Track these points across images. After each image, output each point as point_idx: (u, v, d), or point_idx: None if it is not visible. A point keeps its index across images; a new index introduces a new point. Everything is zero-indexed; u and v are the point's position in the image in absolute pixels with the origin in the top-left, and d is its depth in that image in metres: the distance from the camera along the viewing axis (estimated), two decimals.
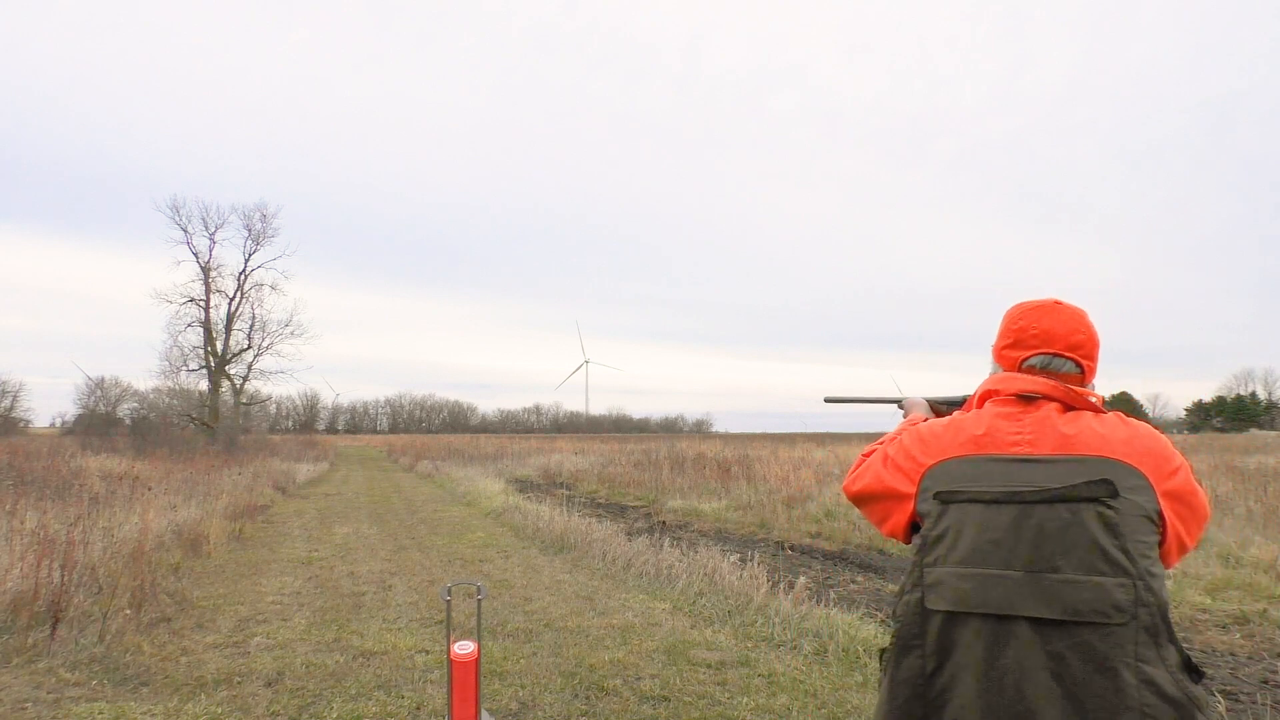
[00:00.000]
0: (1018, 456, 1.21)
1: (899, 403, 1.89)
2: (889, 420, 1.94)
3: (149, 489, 9.78)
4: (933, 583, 1.21)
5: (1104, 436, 1.19)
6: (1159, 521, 1.14)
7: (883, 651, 1.30)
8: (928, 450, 1.31)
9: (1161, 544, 1.15)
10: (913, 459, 1.32)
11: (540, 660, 4.32)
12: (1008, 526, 1.16)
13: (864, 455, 1.52)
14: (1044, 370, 1.33)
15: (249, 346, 34.41)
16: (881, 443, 1.54)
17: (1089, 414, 1.24)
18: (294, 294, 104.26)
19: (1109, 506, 1.12)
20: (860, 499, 1.44)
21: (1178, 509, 1.16)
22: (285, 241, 79.82)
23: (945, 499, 1.24)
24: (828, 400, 2.20)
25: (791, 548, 9.11)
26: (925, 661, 1.19)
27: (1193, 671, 1.10)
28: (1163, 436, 1.21)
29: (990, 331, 1.48)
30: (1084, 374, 1.34)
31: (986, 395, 1.36)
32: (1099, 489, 1.13)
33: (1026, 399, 1.28)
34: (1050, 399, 1.26)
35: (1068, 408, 1.26)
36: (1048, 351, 1.33)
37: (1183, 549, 1.18)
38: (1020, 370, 1.35)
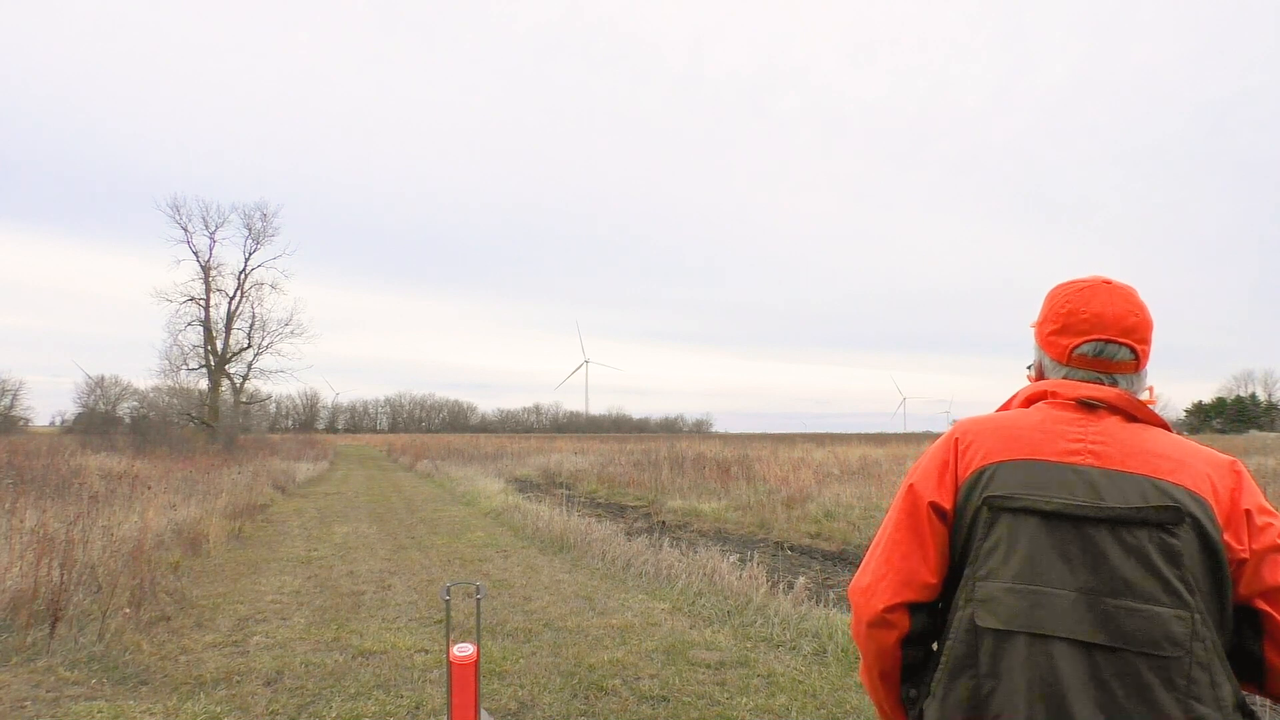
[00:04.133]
0: (1077, 466, 1.11)
1: None
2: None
3: (149, 488, 9.77)
4: (984, 598, 1.11)
5: (1170, 457, 1.09)
6: (1224, 553, 1.05)
7: (909, 688, 1.20)
8: (975, 449, 1.18)
9: (1238, 575, 1.06)
10: (952, 456, 1.20)
11: (539, 660, 4.32)
12: (1066, 544, 1.08)
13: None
14: (1096, 359, 1.21)
15: (249, 345, 34.44)
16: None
17: (1154, 430, 1.14)
18: (294, 293, 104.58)
19: (1172, 533, 1.04)
20: (870, 596, 1.22)
21: (1241, 533, 1.07)
22: (286, 241, 79.74)
23: (997, 505, 1.12)
24: None
25: (791, 548, 9.11)
26: (980, 683, 1.09)
27: (1247, 716, 1.04)
28: (1236, 462, 1.12)
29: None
30: (1139, 360, 1.22)
31: (1037, 396, 1.23)
32: (1165, 515, 1.04)
33: (1088, 406, 1.17)
34: (1115, 409, 1.16)
35: (1131, 418, 1.15)
36: (1100, 338, 1.20)
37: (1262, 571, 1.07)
38: (1071, 358, 1.22)
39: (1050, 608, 1.07)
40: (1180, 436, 1.16)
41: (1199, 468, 1.09)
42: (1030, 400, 1.25)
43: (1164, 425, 1.17)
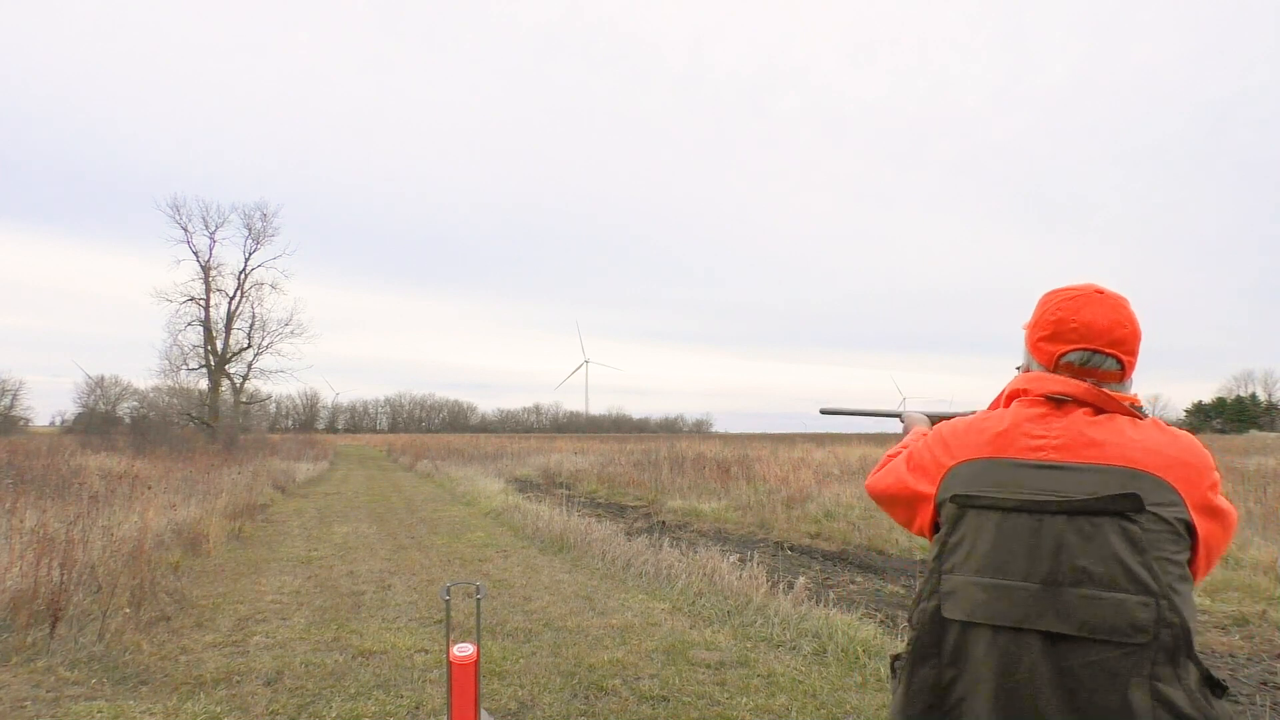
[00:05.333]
0: (1040, 462, 1.15)
1: (899, 416, 1.81)
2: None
3: (149, 488, 9.76)
4: (949, 590, 1.16)
5: (1135, 445, 1.12)
6: (1189, 536, 1.08)
7: (895, 658, 1.25)
8: (949, 450, 1.25)
9: (1192, 559, 1.09)
10: (935, 459, 1.27)
11: (539, 660, 4.32)
12: (1026, 536, 1.11)
13: (889, 455, 1.47)
14: (1082, 367, 1.24)
15: (249, 345, 34.48)
16: (905, 445, 1.49)
17: (1123, 419, 1.17)
18: (294, 293, 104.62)
19: (1133, 521, 1.06)
20: (882, 499, 1.40)
21: (1209, 524, 1.10)
22: (285, 241, 79.82)
23: (963, 503, 1.18)
24: (824, 411, 2.13)
25: (791, 548, 9.11)
26: (941, 672, 1.15)
27: (1214, 686, 1.05)
28: (1199, 445, 1.14)
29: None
30: (1124, 370, 1.25)
31: (1014, 394, 1.27)
32: (1123, 502, 1.06)
33: (1057, 401, 1.21)
34: (1082, 402, 1.19)
35: (1099, 411, 1.18)
36: (1088, 347, 1.23)
37: (1210, 563, 1.13)
38: (1058, 365, 1.26)
39: (1014, 599, 1.10)
40: (1148, 421, 1.18)
41: (1165, 452, 1.11)
42: (1010, 399, 1.29)
43: (1132, 414, 1.19)
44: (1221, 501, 1.13)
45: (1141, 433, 1.14)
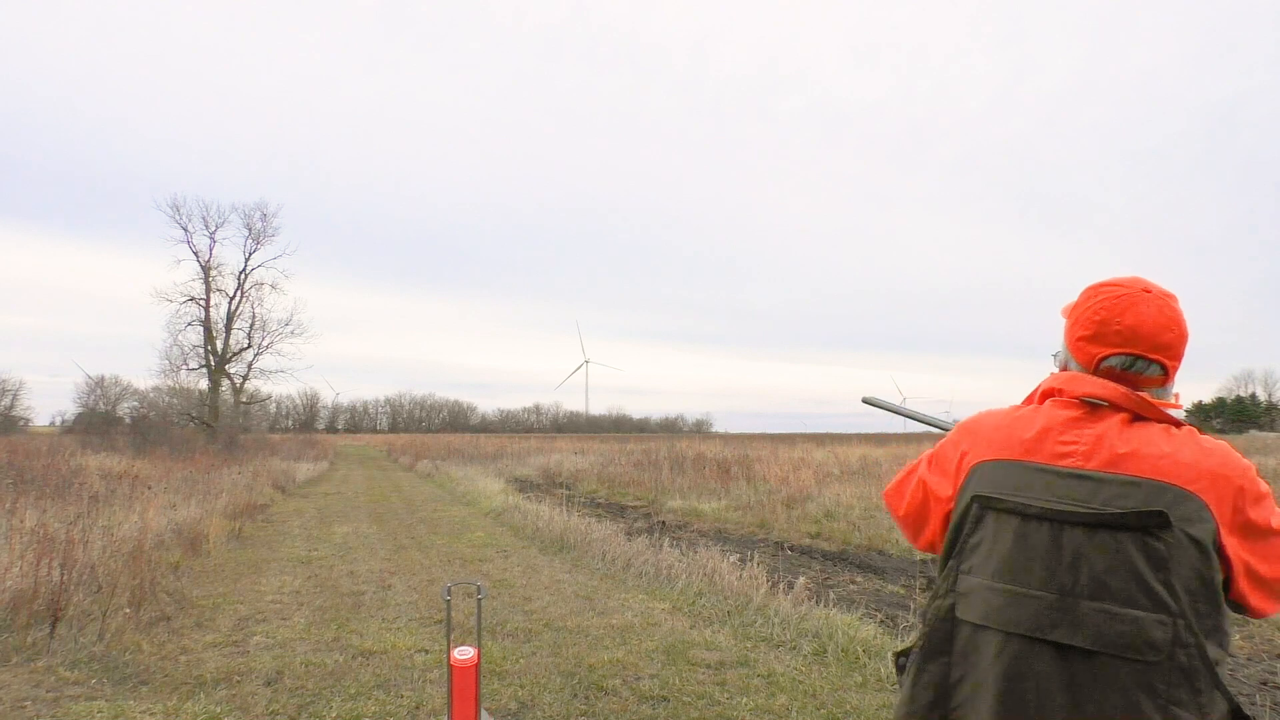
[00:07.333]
0: (1066, 469, 1.10)
1: (946, 430, 1.64)
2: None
3: (149, 488, 9.78)
4: (965, 591, 1.14)
5: (1167, 457, 1.05)
6: (1219, 555, 1.02)
7: (899, 654, 1.24)
8: (975, 446, 1.21)
9: (1230, 581, 1.03)
10: (959, 450, 1.23)
11: (540, 660, 4.31)
12: (1046, 545, 1.07)
13: (909, 470, 1.38)
14: (1124, 372, 1.17)
15: (249, 345, 34.43)
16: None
17: (1158, 428, 1.10)
18: (294, 293, 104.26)
19: (1157, 538, 1.01)
20: (899, 518, 1.36)
21: (1248, 543, 1.03)
22: (286, 241, 79.81)
23: (985, 504, 1.15)
24: (866, 401, 1.96)
25: (791, 548, 9.11)
26: (950, 670, 1.13)
27: None
28: (1237, 457, 1.07)
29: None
30: (1168, 374, 1.19)
31: (1049, 393, 1.21)
32: (1148, 519, 1.01)
33: (1092, 404, 1.15)
34: (1118, 408, 1.12)
35: (1136, 417, 1.12)
36: (1131, 352, 1.16)
37: (1269, 591, 1.05)
38: (1098, 368, 1.18)
39: (1027, 608, 1.07)
40: (1184, 431, 1.11)
41: (1198, 466, 1.05)
42: (1045, 396, 1.24)
43: (1173, 422, 1.12)
44: (1267, 517, 1.05)
45: (1174, 444, 1.07)
